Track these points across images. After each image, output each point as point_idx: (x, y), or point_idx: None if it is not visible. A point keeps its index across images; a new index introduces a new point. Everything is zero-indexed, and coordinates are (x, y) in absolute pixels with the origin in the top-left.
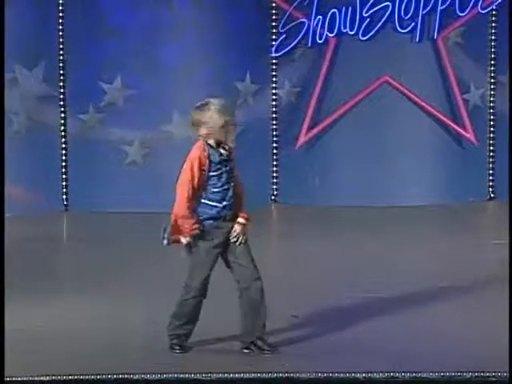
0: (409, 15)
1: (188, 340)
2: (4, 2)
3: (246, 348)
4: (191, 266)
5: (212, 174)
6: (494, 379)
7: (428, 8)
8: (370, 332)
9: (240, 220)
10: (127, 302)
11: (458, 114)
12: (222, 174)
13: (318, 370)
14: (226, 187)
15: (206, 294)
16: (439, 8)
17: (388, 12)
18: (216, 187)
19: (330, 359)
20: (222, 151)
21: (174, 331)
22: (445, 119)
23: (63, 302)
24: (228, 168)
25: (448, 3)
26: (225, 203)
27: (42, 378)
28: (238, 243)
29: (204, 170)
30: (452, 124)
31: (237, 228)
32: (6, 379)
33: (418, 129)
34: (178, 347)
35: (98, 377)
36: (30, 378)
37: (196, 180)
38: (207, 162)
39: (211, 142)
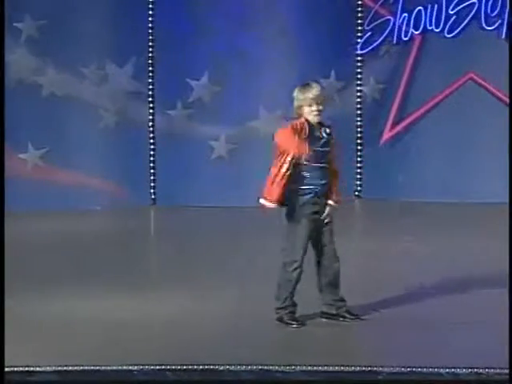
0: (495, 12)
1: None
2: (4, 2)
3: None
4: (292, 238)
5: (313, 150)
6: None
7: None
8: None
9: (330, 202)
10: (212, 293)
11: None
12: (321, 152)
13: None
14: (323, 166)
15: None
16: None
17: (474, 9)
18: (315, 165)
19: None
20: (321, 131)
21: (287, 306)
22: None
23: (149, 294)
24: (327, 149)
25: None
26: (324, 181)
27: (130, 368)
28: (324, 222)
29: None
30: None
31: (328, 208)
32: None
33: (503, 126)
34: (294, 321)
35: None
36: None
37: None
38: (304, 136)
39: (311, 120)
